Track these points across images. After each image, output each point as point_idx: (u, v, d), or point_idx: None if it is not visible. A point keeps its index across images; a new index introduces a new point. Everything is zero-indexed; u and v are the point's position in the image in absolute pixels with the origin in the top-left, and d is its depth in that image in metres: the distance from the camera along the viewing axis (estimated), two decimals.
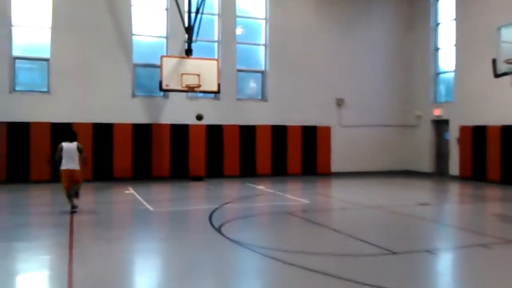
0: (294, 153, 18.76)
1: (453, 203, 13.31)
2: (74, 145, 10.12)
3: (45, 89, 16.16)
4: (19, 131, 15.43)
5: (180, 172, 17.19)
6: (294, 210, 10.59)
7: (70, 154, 9.97)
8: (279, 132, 18.55)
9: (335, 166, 19.35)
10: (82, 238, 7.65)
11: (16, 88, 15.89)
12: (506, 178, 15.78)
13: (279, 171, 18.47)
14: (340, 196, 13.76)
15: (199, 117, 15.44)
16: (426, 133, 19.67)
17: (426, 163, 19.61)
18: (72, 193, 10.03)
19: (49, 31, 16.05)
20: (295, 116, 18.78)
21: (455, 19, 18.39)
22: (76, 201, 10.12)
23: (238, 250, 7.06)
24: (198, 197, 13.55)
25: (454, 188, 15.77)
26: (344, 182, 16.93)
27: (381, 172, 19.75)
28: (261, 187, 15.03)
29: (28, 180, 15.45)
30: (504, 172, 15.94)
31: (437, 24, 19.51)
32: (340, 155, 19.39)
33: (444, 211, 11.71)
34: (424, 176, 18.91)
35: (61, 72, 16.02)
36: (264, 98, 18.83)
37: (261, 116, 18.40)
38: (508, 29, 10.99)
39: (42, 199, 12.93)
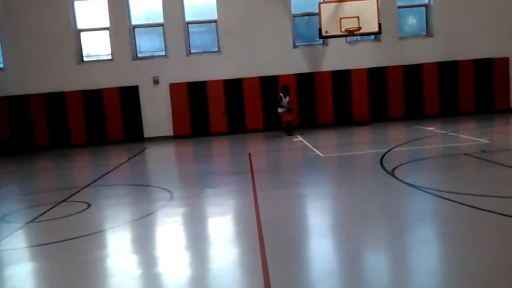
0: (466, 90, 17.36)
1: None
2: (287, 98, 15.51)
3: (216, 49, 17.52)
4: (197, 89, 17.14)
5: (344, 117, 17.33)
6: (471, 151, 9.96)
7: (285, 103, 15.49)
8: (447, 68, 17.28)
9: None
10: (262, 184, 8.41)
11: (192, 51, 17.55)
12: None
13: (449, 110, 17.36)
14: None
15: (290, 109, 15.91)
16: None
17: None
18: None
19: None
20: (465, 50, 17.21)
21: None
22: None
23: (415, 193, 7.02)
24: (366, 142, 13.56)
25: None
26: None
27: None
28: (431, 128, 14.38)
29: (209, 133, 17.24)
30: None
31: None
32: None
33: None
34: None
35: (228, 32, 17.13)
36: (429, 33, 17.58)
37: (427, 53, 17.29)
38: None
39: (224, 150, 14.37)
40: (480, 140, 11.35)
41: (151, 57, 17.52)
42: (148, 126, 17.31)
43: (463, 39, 17.19)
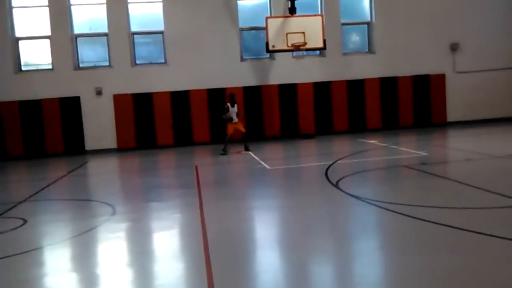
0: (406, 104, 18.09)
1: None
2: (235, 107, 14.12)
3: (162, 61, 17.30)
4: (142, 101, 16.81)
5: (290, 130, 17.56)
6: (411, 163, 10.37)
7: (233, 112, 14.05)
8: (388, 84, 17.97)
9: (451, 116, 18.35)
10: (209, 198, 8.32)
11: (137, 62, 17.23)
12: None
13: (390, 124, 18.02)
14: (460, 146, 13.11)
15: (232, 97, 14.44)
16: None
17: None
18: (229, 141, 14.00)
19: (161, 4, 16.99)
20: (405, 66, 17.98)
21: None
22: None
23: (359, 205, 7.18)
24: (311, 155, 13.79)
25: None
26: (463, 132, 16.07)
27: (504, 118, 18.28)
28: (373, 141, 14.85)
29: (155, 145, 16.91)
30: None
31: None
32: (456, 104, 18.30)
33: None
34: None
35: (175, 43, 16.97)
36: (371, 50, 18.25)
37: (369, 69, 17.91)
38: None
39: (170, 163, 14.13)
40: (419, 152, 11.83)
41: (94, 67, 17.03)
42: (90, 139, 16.74)
43: (402, 56, 17.95)
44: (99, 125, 16.70)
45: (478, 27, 18.17)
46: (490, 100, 18.35)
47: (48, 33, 16.63)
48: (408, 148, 12.79)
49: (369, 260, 4.89)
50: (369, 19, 18.20)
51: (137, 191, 9.91)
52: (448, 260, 4.59)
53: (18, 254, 5.61)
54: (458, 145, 13.54)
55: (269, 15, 17.00)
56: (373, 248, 5.33)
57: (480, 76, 18.29)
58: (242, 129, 14.37)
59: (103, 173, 12.87)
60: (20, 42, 16.72)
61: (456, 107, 18.32)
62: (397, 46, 17.90)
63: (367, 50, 18.35)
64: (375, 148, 13.54)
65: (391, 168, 10.35)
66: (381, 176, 9.70)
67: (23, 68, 16.79)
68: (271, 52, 16.24)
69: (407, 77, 18.03)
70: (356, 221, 6.50)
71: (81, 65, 17.02)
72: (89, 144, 16.73)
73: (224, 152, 13.86)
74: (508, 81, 18.44)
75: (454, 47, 18.21)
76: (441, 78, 18.26)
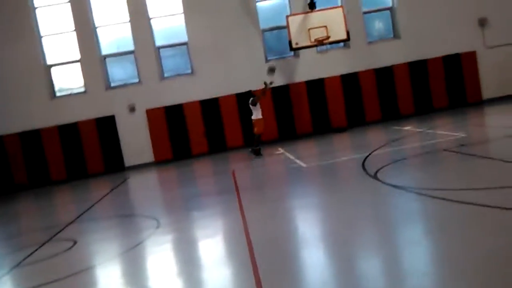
0: (438, 86, 17.69)
1: None
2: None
3: (189, 71, 17.55)
4: (174, 113, 17.09)
5: (322, 126, 17.46)
6: (450, 145, 10.11)
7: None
8: (418, 68, 17.61)
9: (487, 93, 17.82)
10: (248, 201, 8.37)
11: (165, 75, 17.54)
12: None
13: (424, 108, 17.65)
14: (498, 123, 12.70)
15: (272, 69, 14.29)
16: None
17: None
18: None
19: (182, 16, 17.24)
20: (433, 48, 17.57)
21: None
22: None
23: (399, 194, 7.07)
24: (346, 148, 13.67)
25: None
26: (500, 109, 15.55)
27: None
28: (408, 127, 14.59)
29: (190, 155, 17.16)
30: None
31: None
32: (490, 80, 17.76)
33: None
34: None
35: (200, 53, 17.19)
36: (396, 36, 17.94)
37: (396, 55, 17.59)
38: None
39: (207, 170, 14.30)
40: (457, 134, 11.55)
41: (125, 85, 17.44)
42: (128, 155, 17.15)
43: (429, 38, 17.55)
44: (136, 140, 17.10)
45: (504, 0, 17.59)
46: None
47: (78, 57, 17.16)
48: (445, 131, 12.51)
49: (417, 249, 4.82)
50: (390, 5, 17.91)
51: (179, 202, 10.08)
52: (504, 242, 4.45)
53: (71, 275, 5.81)
54: (496, 123, 13.14)
55: (289, 13, 16.97)
56: (420, 237, 5.25)
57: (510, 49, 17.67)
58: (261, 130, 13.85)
59: (144, 187, 13.16)
60: (52, 68, 17.31)
61: (490, 83, 17.78)
62: (423, 28, 17.53)
63: (392, 36, 18.05)
64: (411, 134, 13.30)
65: (429, 153, 10.13)
66: (420, 163, 9.49)
67: (57, 94, 17.38)
68: (295, 49, 16.20)
69: (436, 59, 17.63)
70: (399, 211, 6.40)
71: (112, 84, 17.47)
72: (128, 160, 17.13)
73: (258, 153, 13.82)
74: None
75: (482, 23, 17.68)
76: (472, 55, 17.77)
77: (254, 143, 13.98)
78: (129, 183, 14.15)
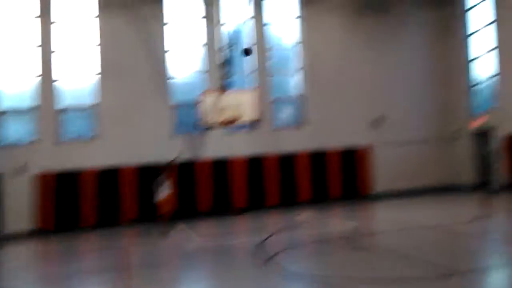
0: (335, 177, 18.55)
1: (506, 217, 12.71)
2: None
3: (91, 135, 16.89)
4: (66, 180, 16.06)
5: (222, 205, 17.32)
6: (341, 235, 10.41)
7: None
8: (318, 157, 18.44)
9: (379, 186, 19.00)
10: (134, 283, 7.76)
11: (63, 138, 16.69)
12: None
13: (320, 196, 18.28)
14: (387, 216, 13.43)
15: (248, 51, 13.80)
16: (468, 146, 19.07)
17: (468, 176, 18.92)
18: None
19: (96, 77, 16.98)
20: (333, 139, 18.66)
21: (495, 22, 17.98)
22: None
23: (292, 280, 6.98)
24: (244, 230, 13.58)
25: (504, 202, 14.98)
26: (389, 203, 16.58)
27: (428, 189, 19.13)
28: (304, 214, 14.90)
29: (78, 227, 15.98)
30: None
31: (471, 33, 19.15)
32: (382, 175, 19.04)
33: (498, 226, 11.22)
34: (469, 190, 18.19)
35: (107, 116, 16.83)
36: (300, 124, 18.85)
37: (299, 142, 18.40)
38: None
39: (93, 245, 13.28)
40: (349, 223, 11.94)
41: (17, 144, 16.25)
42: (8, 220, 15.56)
43: (331, 130, 18.67)
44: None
45: (402, 101, 19.50)
46: (409, 172, 19.22)
47: None
48: (339, 220, 12.92)
49: None
50: (298, 94, 18.96)
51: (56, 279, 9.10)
52: None
53: None
54: (384, 216, 13.86)
55: (202, 90, 17.21)
56: None
57: (404, 148, 19.27)
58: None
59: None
60: None
61: (381, 178, 19.00)
62: (325, 120, 18.63)
63: (296, 124, 18.91)
64: (306, 221, 13.56)
65: (322, 241, 10.30)
66: (312, 250, 9.62)
67: None
68: (204, 128, 16.24)
69: (335, 151, 18.60)
70: None
71: (3, 142, 16.18)
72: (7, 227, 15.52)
73: (168, 232, 12.90)
74: (428, 152, 19.57)
75: (378, 120, 19.20)
76: (366, 150, 19.02)
77: (164, 222, 13.25)
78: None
